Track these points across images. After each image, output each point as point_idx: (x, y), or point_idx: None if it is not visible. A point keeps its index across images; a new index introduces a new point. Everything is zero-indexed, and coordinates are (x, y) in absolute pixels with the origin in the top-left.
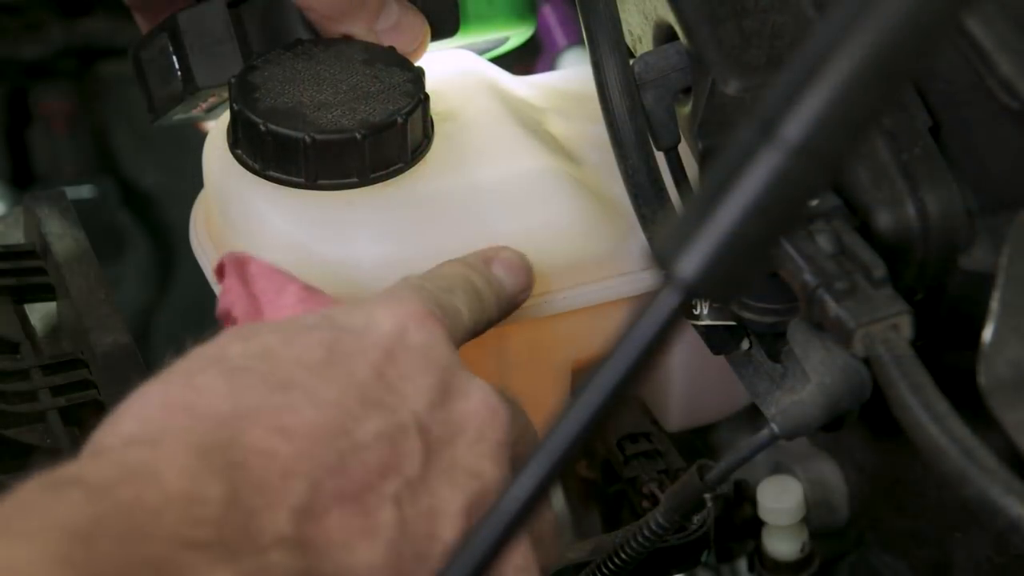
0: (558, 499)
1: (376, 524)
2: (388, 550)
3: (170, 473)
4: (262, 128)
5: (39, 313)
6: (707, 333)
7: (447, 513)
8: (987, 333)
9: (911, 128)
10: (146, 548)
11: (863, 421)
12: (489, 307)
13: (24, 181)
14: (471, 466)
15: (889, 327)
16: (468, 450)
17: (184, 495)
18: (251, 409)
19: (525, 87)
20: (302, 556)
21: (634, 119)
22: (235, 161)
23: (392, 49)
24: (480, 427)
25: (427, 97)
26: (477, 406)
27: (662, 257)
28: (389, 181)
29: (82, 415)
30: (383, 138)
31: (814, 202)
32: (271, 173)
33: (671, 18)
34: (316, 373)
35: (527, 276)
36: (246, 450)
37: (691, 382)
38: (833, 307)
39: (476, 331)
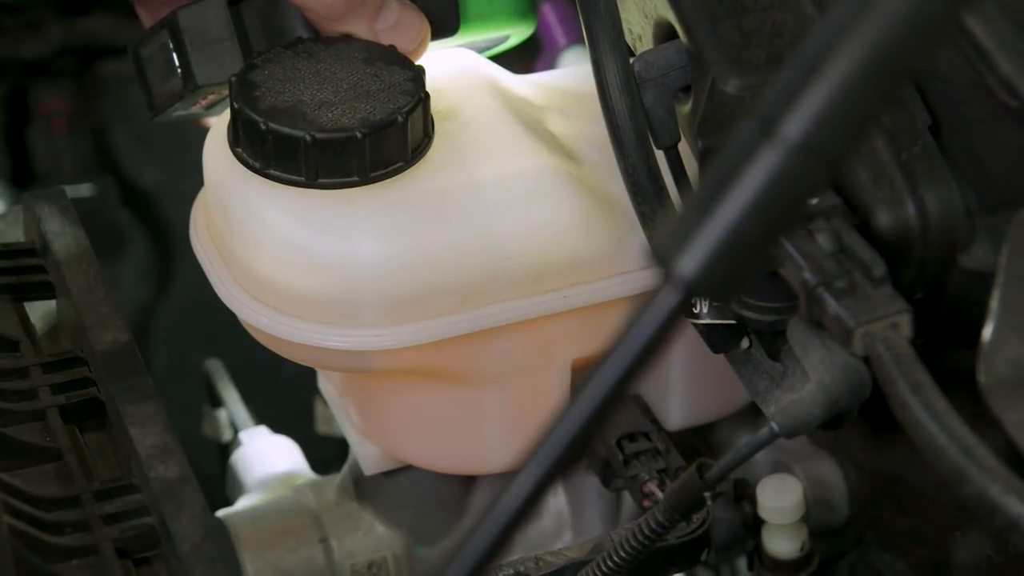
0: (558, 498)
1: None
2: None
3: None
4: (262, 127)
5: (39, 311)
6: (707, 332)
7: None
8: (987, 332)
9: (911, 127)
10: None
11: (863, 420)
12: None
13: (24, 180)
14: None
15: (889, 326)
16: None
17: None
18: None
19: (525, 86)
20: None
21: (634, 118)
22: (235, 160)
23: (392, 48)
24: None
25: (427, 96)
26: None
27: (662, 255)
28: (389, 180)
29: (82, 413)
30: (383, 137)
31: (814, 201)
32: (271, 172)
33: (671, 16)
34: None
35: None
36: None
37: (691, 381)
38: (833, 306)
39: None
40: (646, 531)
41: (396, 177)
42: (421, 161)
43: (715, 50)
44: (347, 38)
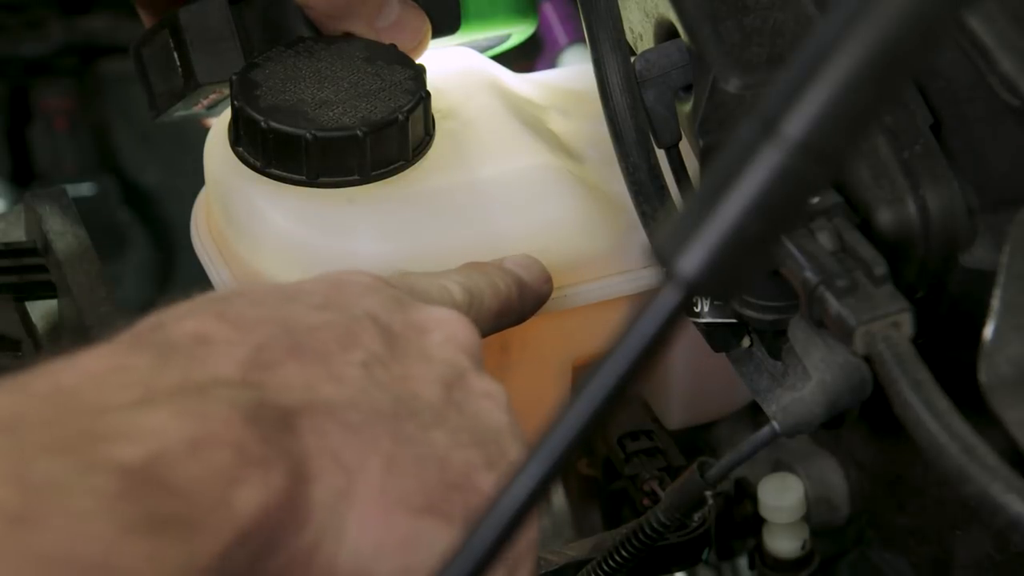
0: (559, 497)
1: (342, 374)
2: (358, 393)
3: (88, 358)
4: (263, 125)
5: (40, 311)
6: (708, 331)
7: (424, 380)
8: (988, 331)
9: (912, 126)
10: (70, 424)
11: (864, 419)
12: (510, 295)
13: (25, 179)
14: (444, 357)
15: (890, 325)
16: (439, 347)
17: (104, 369)
18: (185, 309)
19: (526, 85)
20: (253, 390)
21: (635, 116)
22: (236, 159)
23: (393, 47)
24: (449, 331)
25: (428, 95)
26: (443, 314)
27: (663, 254)
28: (390, 179)
29: None
30: (384, 136)
31: (815, 200)
32: (272, 171)
33: (672, 15)
34: (260, 295)
35: (541, 268)
36: (177, 331)
37: (692, 380)
38: (834, 305)
39: (502, 317)
40: (647, 530)
41: (397, 176)
42: (422, 160)
43: (716, 49)
44: (348, 37)
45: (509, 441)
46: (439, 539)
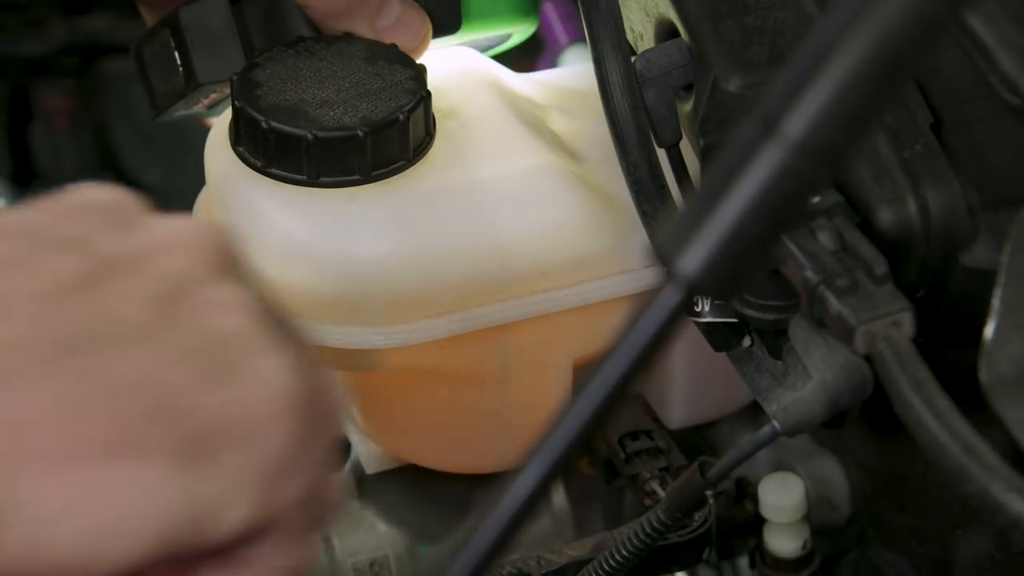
0: (559, 497)
1: (11, 311)
2: (33, 330)
3: None
4: (264, 125)
5: None
6: (708, 330)
7: (128, 299)
8: (989, 330)
9: (912, 125)
10: None
11: (864, 418)
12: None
13: (25, 178)
14: (163, 271)
15: (890, 324)
16: (163, 261)
17: None
18: None
19: (527, 84)
20: None
21: (636, 116)
22: (237, 158)
23: (394, 46)
24: (183, 240)
25: (429, 94)
26: (179, 224)
27: (663, 254)
28: (391, 179)
29: None
30: (385, 135)
31: (816, 199)
32: (273, 170)
33: (672, 15)
34: None
35: None
36: None
37: (692, 379)
38: (834, 304)
39: None
40: (648, 530)
41: (398, 176)
42: (423, 160)
43: (717, 48)
44: (349, 37)
45: (240, 346)
46: (137, 480)
